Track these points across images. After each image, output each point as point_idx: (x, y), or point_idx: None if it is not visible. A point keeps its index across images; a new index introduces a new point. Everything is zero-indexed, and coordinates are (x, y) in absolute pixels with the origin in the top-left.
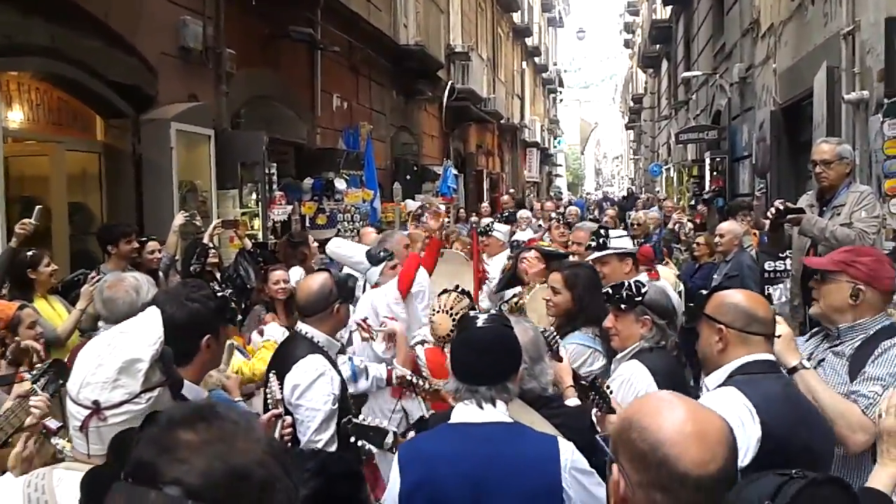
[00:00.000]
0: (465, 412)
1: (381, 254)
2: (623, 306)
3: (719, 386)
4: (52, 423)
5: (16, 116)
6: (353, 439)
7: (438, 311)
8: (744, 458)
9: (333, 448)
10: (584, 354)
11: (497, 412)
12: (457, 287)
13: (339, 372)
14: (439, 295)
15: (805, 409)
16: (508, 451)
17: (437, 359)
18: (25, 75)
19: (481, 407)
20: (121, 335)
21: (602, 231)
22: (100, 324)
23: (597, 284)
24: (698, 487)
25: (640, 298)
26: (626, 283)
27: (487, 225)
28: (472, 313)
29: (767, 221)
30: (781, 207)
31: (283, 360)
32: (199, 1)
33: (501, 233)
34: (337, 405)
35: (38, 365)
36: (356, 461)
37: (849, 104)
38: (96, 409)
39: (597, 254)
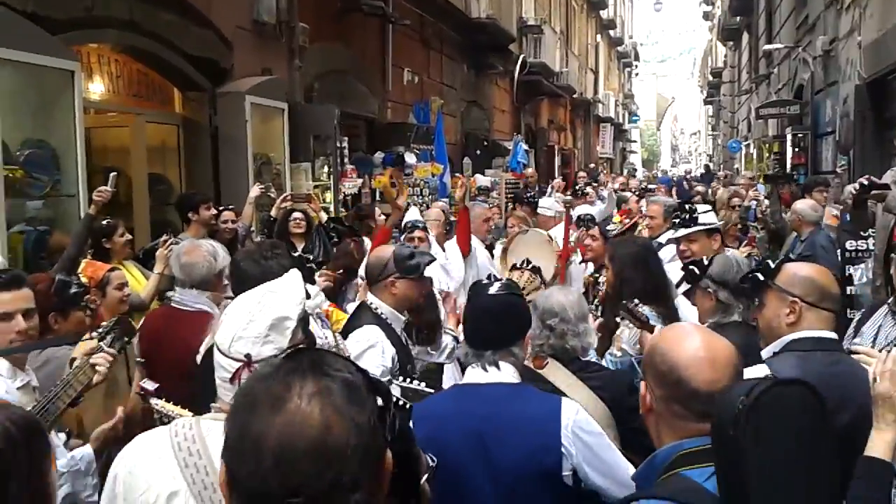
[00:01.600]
0: (473, 374)
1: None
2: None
3: (762, 362)
4: (150, 385)
5: (97, 88)
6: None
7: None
8: None
9: None
10: None
11: (503, 374)
12: (526, 263)
13: (400, 344)
14: (510, 271)
15: (852, 390)
16: (509, 410)
17: None
18: (105, 48)
19: (485, 369)
20: (270, 294)
21: (688, 207)
22: (174, 289)
23: (641, 258)
24: (707, 401)
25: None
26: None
27: (533, 199)
28: (484, 281)
29: (850, 198)
30: (866, 183)
31: (345, 328)
32: None
33: (546, 207)
34: (388, 377)
35: (104, 323)
36: (405, 418)
37: None
38: (248, 362)
39: (684, 231)
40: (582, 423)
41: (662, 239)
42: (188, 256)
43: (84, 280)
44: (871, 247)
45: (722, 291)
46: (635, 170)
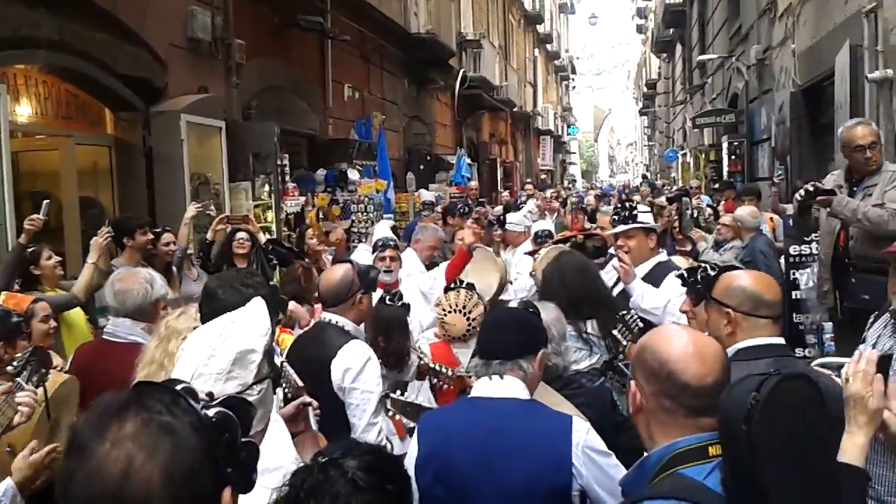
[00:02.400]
0: (482, 387)
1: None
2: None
3: None
4: None
5: (24, 110)
6: (391, 413)
7: (450, 311)
8: None
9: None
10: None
11: (510, 388)
12: (461, 283)
13: None
14: (445, 291)
15: None
16: (519, 426)
17: (441, 353)
18: (33, 68)
19: (490, 378)
20: (232, 325)
21: (628, 205)
22: (101, 321)
23: (557, 274)
24: (698, 395)
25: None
26: (702, 267)
27: (500, 217)
28: (505, 298)
29: (792, 205)
30: (811, 188)
31: (317, 346)
32: None
33: (515, 223)
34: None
35: (18, 355)
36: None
37: (872, 83)
38: (210, 401)
39: (622, 227)
40: (592, 443)
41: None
42: (122, 283)
43: None
44: (815, 251)
45: None
46: (574, 180)
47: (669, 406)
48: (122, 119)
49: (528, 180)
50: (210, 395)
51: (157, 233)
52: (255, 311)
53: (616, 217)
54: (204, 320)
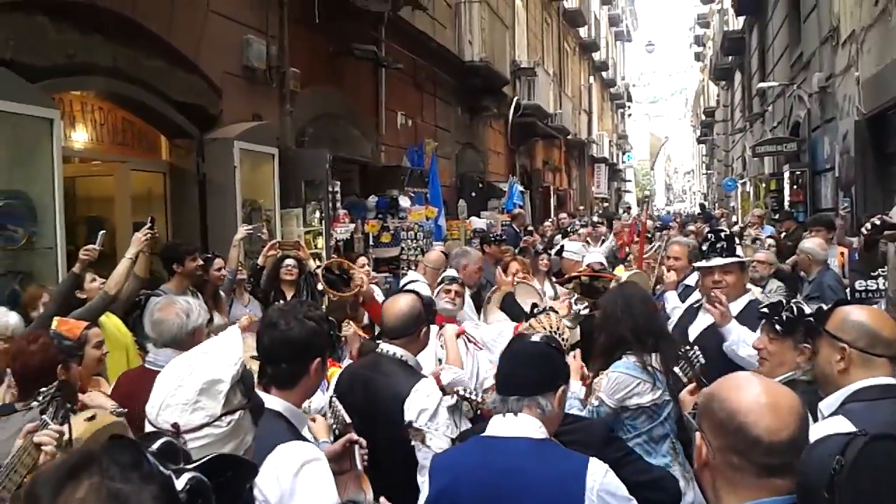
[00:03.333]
0: (497, 425)
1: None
2: (779, 328)
3: (832, 414)
4: None
5: (80, 136)
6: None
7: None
8: None
9: None
10: (630, 385)
11: (528, 427)
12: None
13: None
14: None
15: None
16: (531, 467)
17: None
18: (89, 95)
19: (504, 416)
20: (201, 355)
21: (724, 235)
22: (149, 346)
23: (624, 301)
24: (770, 452)
25: (800, 322)
26: (787, 304)
27: (501, 238)
28: (527, 332)
29: (858, 238)
30: (878, 222)
31: (386, 382)
32: (263, 20)
33: (573, 251)
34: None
35: (44, 390)
36: None
37: None
38: (176, 432)
39: (720, 261)
40: (610, 486)
41: (690, 280)
42: (160, 313)
43: None
44: (882, 286)
45: None
46: (629, 207)
47: (738, 463)
48: (177, 146)
49: (581, 209)
50: (176, 426)
51: (207, 258)
52: (228, 341)
53: (710, 249)
54: (263, 350)
